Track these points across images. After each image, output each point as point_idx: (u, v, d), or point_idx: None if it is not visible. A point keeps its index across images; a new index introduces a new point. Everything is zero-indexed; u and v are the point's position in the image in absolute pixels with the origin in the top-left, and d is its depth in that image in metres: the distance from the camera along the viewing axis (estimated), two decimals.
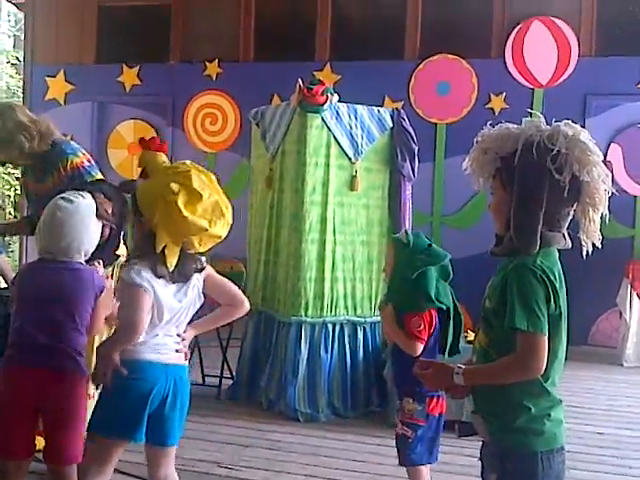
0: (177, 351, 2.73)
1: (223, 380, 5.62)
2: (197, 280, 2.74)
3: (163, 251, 2.59)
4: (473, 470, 2.31)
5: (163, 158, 2.76)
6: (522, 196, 2.04)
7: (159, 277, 2.59)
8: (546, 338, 1.99)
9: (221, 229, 2.68)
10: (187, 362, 2.79)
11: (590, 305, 8.27)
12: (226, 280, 2.88)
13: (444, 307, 3.27)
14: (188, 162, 2.70)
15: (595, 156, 2.07)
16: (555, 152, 2.02)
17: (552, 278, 2.03)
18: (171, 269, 2.61)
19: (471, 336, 4.95)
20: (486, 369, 2.12)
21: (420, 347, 3.17)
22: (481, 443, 2.23)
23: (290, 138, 5.33)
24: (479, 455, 2.24)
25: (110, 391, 2.58)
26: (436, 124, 8.55)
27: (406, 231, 3.39)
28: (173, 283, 2.65)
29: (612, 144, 8.18)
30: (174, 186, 2.56)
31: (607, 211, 2.11)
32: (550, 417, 2.07)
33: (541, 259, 2.04)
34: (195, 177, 2.61)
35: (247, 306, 2.87)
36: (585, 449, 4.65)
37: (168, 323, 2.67)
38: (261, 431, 4.79)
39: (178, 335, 2.74)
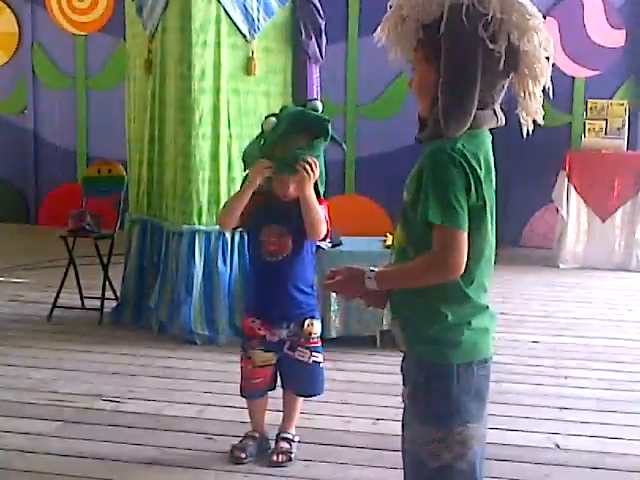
0: None
1: (105, 302, 5.55)
2: None
3: None
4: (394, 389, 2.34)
5: None
6: (451, 72, 1.98)
7: None
8: (465, 234, 1.98)
9: None
10: None
11: (523, 202, 8.51)
12: None
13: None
14: None
15: (535, 19, 2.01)
16: (488, 17, 1.95)
17: (474, 164, 1.99)
18: None
19: (390, 240, 5.01)
20: (400, 270, 2.11)
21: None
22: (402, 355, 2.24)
23: (171, 12, 5.12)
24: (400, 368, 2.25)
25: None
26: None
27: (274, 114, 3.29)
28: None
29: (547, 17, 8.24)
30: None
31: (550, 83, 2.06)
32: (470, 325, 2.07)
33: (463, 142, 2.00)
34: None
35: None
36: (519, 360, 4.83)
37: None
38: (151, 357, 4.77)
39: None
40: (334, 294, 4.50)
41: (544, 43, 2.03)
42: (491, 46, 1.97)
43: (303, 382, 3.40)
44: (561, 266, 7.73)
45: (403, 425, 2.23)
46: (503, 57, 1.99)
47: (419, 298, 2.08)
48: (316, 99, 3.28)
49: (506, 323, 5.53)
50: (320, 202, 3.22)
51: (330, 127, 3.17)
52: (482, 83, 2.00)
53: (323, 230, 3.19)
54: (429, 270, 2.02)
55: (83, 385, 4.28)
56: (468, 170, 1.98)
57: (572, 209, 7.72)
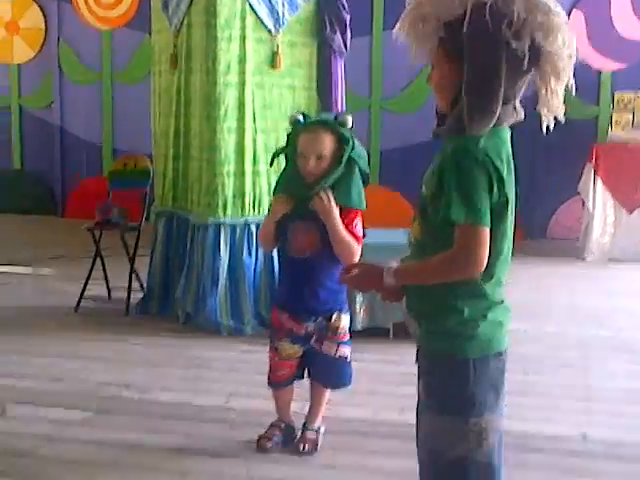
0: None
1: (132, 294, 5.63)
2: None
3: None
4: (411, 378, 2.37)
5: None
6: (476, 71, 2.00)
7: None
8: (488, 231, 2.00)
9: None
10: None
11: (549, 194, 8.50)
12: None
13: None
14: None
15: (559, 18, 2.02)
16: (512, 17, 1.97)
17: (497, 162, 2.02)
18: None
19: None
20: (420, 266, 2.13)
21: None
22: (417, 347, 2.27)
23: (197, 8, 5.17)
24: (415, 360, 2.28)
25: None
26: None
27: (303, 113, 3.31)
28: None
29: (573, 10, 8.21)
30: None
31: (572, 80, 2.08)
32: (486, 318, 2.10)
33: (485, 140, 2.02)
34: None
35: None
36: (546, 351, 4.84)
37: None
38: (177, 347, 4.84)
39: None
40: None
41: (568, 41, 2.04)
42: (514, 45, 1.98)
43: (329, 375, 3.42)
44: (587, 258, 7.71)
45: (418, 417, 2.27)
46: (526, 56, 2.01)
47: (436, 293, 2.11)
48: (346, 113, 3.28)
49: (532, 315, 5.54)
50: (354, 215, 3.21)
51: (351, 150, 3.17)
52: (505, 81, 2.02)
53: (353, 258, 3.14)
54: (451, 267, 2.04)
55: (111, 375, 4.35)
56: (491, 168, 2.01)
57: (598, 201, 7.69)
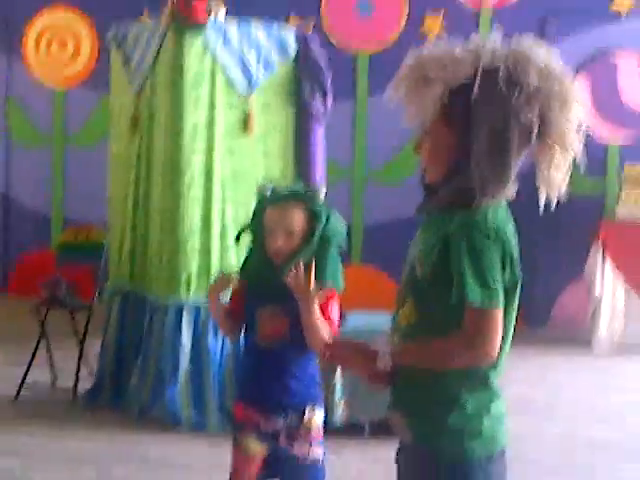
0: None
1: (80, 381, 5.58)
2: None
3: None
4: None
5: None
6: (488, 139, 2.05)
7: None
8: (502, 313, 2.04)
9: None
10: None
11: (551, 278, 8.53)
12: None
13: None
14: None
15: (574, 87, 2.10)
16: (525, 85, 2.04)
17: (506, 238, 2.07)
18: None
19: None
20: (424, 348, 2.14)
21: None
22: (398, 446, 2.27)
23: (162, 66, 5.29)
24: (395, 460, 2.28)
25: None
26: (356, 53, 8.67)
27: (271, 184, 3.32)
28: None
29: (577, 76, 8.42)
30: None
31: (581, 154, 2.13)
32: (489, 413, 2.11)
33: (491, 213, 2.07)
34: None
35: None
36: (550, 455, 4.83)
37: None
38: (131, 444, 4.80)
39: None
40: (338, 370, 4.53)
41: (581, 114, 2.12)
42: (524, 114, 2.04)
43: None
44: (595, 349, 7.72)
45: None
46: (536, 127, 2.07)
47: (435, 383, 2.12)
48: (319, 185, 3.29)
49: (534, 412, 5.55)
50: (330, 297, 3.17)
51: (325, 225, 3.15)
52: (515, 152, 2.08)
53: None
54: (462, 352, 2.06)
55: (54, 475, 4.31)
56: (503, 245, 2.06)
57: (607, 285, 7.72)
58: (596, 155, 8.29)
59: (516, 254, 2.10)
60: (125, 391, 5.39)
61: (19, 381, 5.63)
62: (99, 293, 5.79)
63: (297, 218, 3.13)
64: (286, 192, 3.26)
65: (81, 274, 5.96)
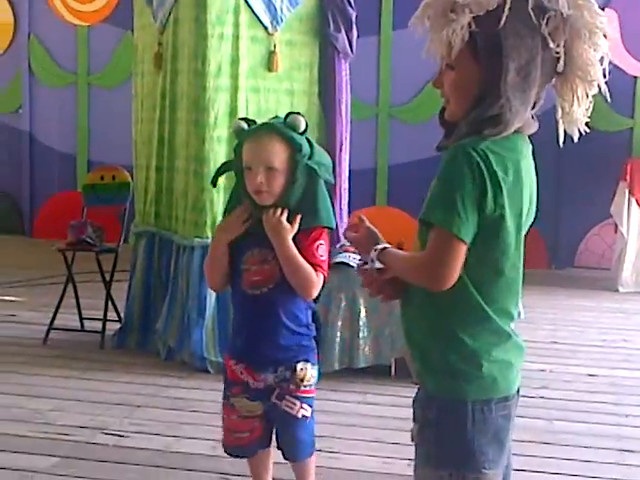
0: None
1: (107, 324, 5.60)
2: None
3: None
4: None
5: None
6: (515, 71, 1.98)
7: None
8: (463, 246, 1.96)
9: None
10: None
11: (577, 218, 8.47)
12: None
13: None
14: None
15: (603, 17, 2.02)
16: (555, 12, 1.97)
17: (496, 168, 1.97)
18: None
19: None
20: (401, 256, 2.11)
21: None
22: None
23: (185, 1, 5.17)
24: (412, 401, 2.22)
25: None
26: None
27: (247, 119, 3.07)
28: None
29: (605, 9, 8.22)
30: None
31: (605, 86, 2.05)
32: (490, 356, 2.06)
33: (489, 144, 1.99)
34: None
35: None
36: (573, 395, 4.81)
37: None
38: (158, 386, 4.80)
39: None
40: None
41: (607, 46, 2.03)
42: (552, 45, 1.98)
43: (291, 441, 3.12)
44: (620, 289, 7.69)
45: (415, 466, 2.19)
46: (563, 57, 2.00)
47: (435, 319, 2.08)
48: (298, 114, 3.05)
49: (558, 353, 5.52)
50: (318, 234, 2.99)
51: (309, 158, 2.96)
52: (539, 84, 2.02)
53: (312, 291, 2.94)
54: (416, 271, 2.03)
55: (82, 417, 4.30)
56: (486, 174, 1.96)
57: (633, 225, 7.67)
58: (624, 90, 8.14)
59: (514, 189, 2.01)
60: (152, 334, 5.41)
61: (47, 324, 5.64)
62: (125, 235, 5.77)
63: (276, 150, 2.90)
64: (262, 123, 3.02)
65: (107, 216, 5.93)
